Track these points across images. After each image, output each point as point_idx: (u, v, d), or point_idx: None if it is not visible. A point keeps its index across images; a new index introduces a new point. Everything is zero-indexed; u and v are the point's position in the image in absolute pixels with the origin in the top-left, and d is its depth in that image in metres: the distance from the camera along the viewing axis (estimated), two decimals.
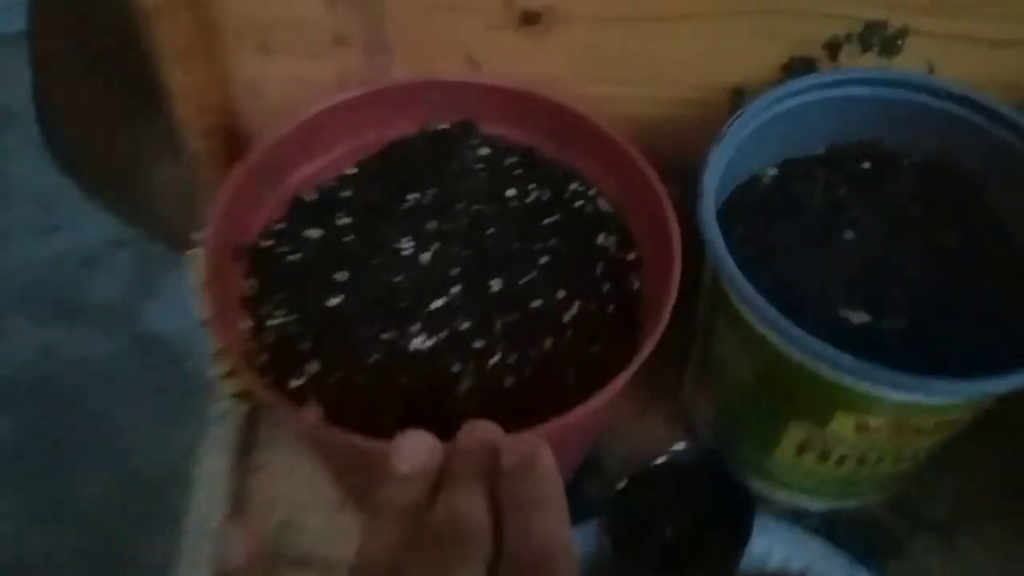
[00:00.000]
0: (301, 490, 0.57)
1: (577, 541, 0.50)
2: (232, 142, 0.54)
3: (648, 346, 0.41)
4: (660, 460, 0.51)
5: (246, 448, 0.58)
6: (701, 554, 0.49)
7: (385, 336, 0.45)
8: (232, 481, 0.56)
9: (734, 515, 0.49)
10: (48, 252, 1.51)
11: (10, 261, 1.49)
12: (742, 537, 0.49)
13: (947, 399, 0.43)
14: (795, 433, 0.48)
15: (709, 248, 0.45)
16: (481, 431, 0.32)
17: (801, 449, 0.49)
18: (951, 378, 0.40)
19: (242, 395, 0.57)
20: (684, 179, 0.48)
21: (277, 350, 0.46)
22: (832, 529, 0.54)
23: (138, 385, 1.34)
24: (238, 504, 0.56)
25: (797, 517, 0.54)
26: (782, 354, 0.44)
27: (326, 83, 0.53)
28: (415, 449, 0.31)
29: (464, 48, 0.52)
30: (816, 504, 0.54)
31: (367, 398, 0.43)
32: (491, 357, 0.45)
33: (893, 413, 0.43)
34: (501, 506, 0.29)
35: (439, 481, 0.30)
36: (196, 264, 0.47)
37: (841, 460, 0.48)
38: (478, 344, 0.45)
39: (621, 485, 0.51)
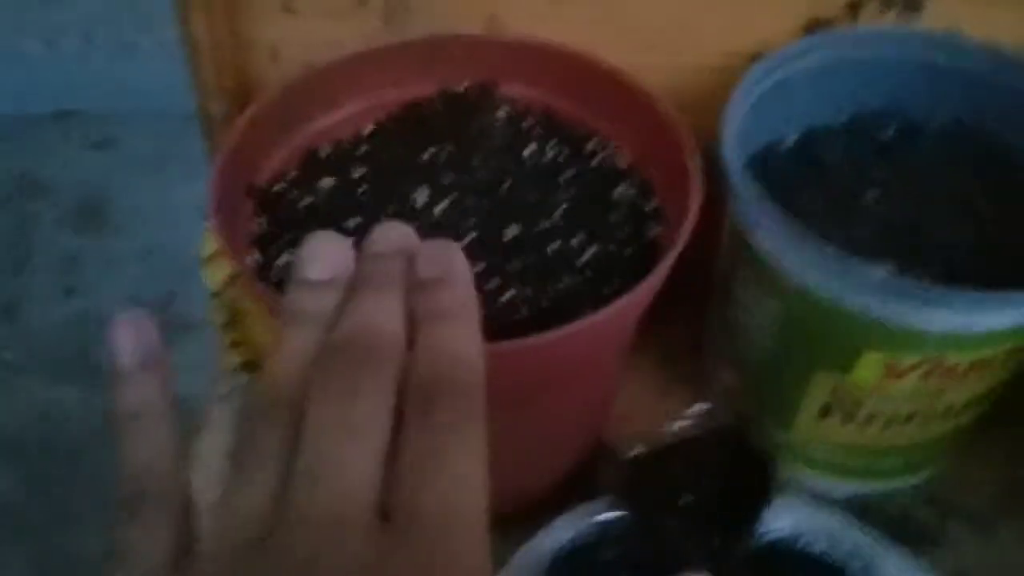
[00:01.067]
0: None
1: (588, 513, 0.47)
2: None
3: (668, 258, 0.39)
4: (677, 425, 0.48)
5: None
6: (718, 521, 0.46)
7: None
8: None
9: (753, 482, 0.46)
10: (64, 314, 1.51)
11: (27, 322, 1.50)
12: (760, 504, 0.45)
13: (990, 321, 0.40)
14: (819, 390, 0.46)
15: (731, 186, 0.44)
16: (396, 233, 0.29)
17: (825, 412, 0.47)
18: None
19: (248, 366, 0.55)
20: (706, 153, 0.47)
21: (284, 286, 0.44)
22: (861, 520, 0.51)
23: None
24: None
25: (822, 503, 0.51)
26: (807, 291, 0.42)
27: (346, 47, 0.53)
28: (325, 252, 0.28)
29: (487, 13, 0.52)
30: (841, 487, 0.51)
31: None
32: (504, 293, 0.43)
33: (924, 350, 0.41)
34: (414, 317, 0.26)
35: (351, 287, 0.27)
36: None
37: (867, 421, 0.46)
38: (492, 284, 0.44)
39: (636, 452, 0.48)
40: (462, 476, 0.23)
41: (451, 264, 0.27)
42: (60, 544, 1.21)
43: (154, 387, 0.26)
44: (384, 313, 0.26)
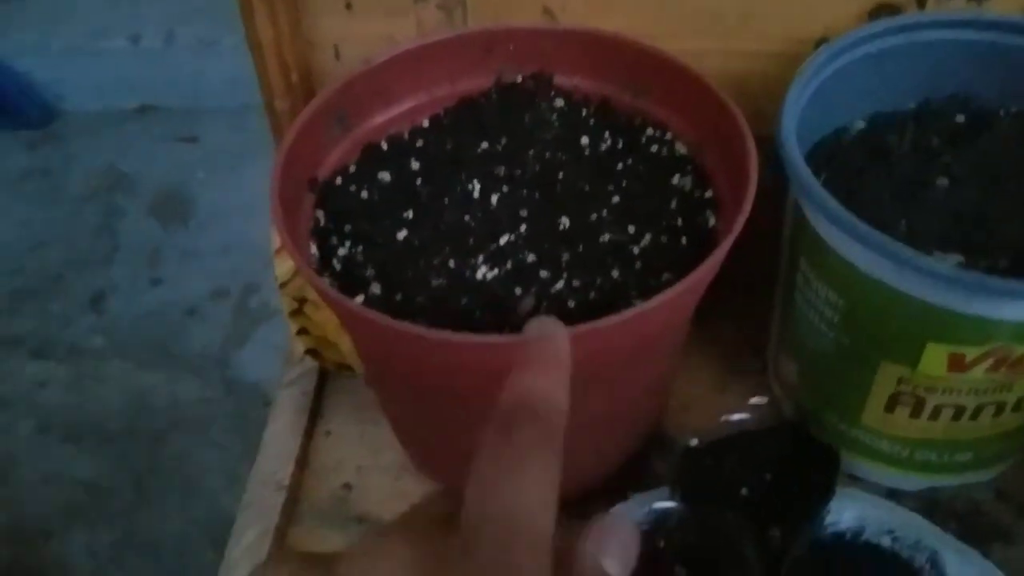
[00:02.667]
0: (365, 455, 0.55)
1: (643, 503, 0.47)
2: None
3: (723, 247, 0.39)
4: (735, 417, 0.48)
5: (315, 414, 0.58)
6: (779, 514, 0.45)
7: (450, 264, 0.44)
8: (299, 443, 0.55)
9: (815, 474, 0.46)
10: (151, 303, 1.56)
11: (115, 311, 1.55)
12: (823, 496, 0.45)
13: None
14: (885, 382, 0.45)
15: (791, 174, 0.43)
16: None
17: (891, 404, 0.46)
18: None
19: (312, 353, 0.56)
20: (764, 147, 0.47)
21: (342, 277, 0.45)
22: (928, 514, 0.50)
23: (224, 428, 1.36)
24: (302, 465, 0.55)
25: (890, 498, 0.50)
26: (871, 281, 0.41)
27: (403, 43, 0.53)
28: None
29: (542, 5, 0.52)
30: (909, 480, 0.50)
31: (427, 316, 0.42)
32: (555, 283, 0.43)
33: (991, 342, 0.40)
34: None
35: None
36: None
37: (936, 413, 0.44)
38: (543, 274, 0.44)
39: (693, 444, 0.48)
40: (531, 494, 0.24)
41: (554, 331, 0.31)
42: (144, 526, 1.25)
43: None
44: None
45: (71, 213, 1.71)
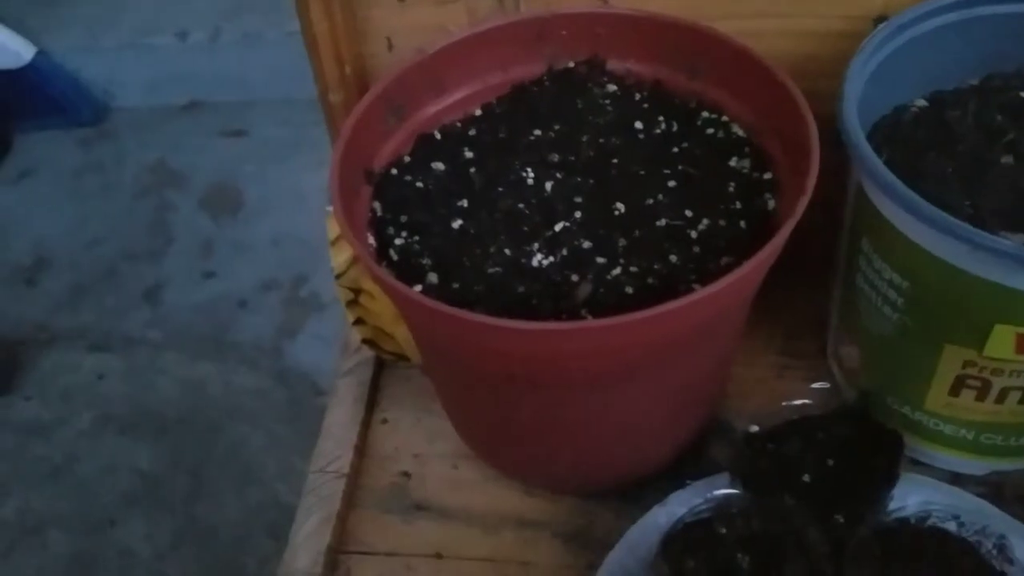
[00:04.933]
0: (422, 444, 0.56)
1: (704, 489, 0.47)
2: None
3: (784, 231, 0.38)
4: (796, 402, 0.47)
5: (372, 402, 0.58)
6: (842, 499, 0.44)
7: (506, 252, 0.44)
8: (357, 431, 0.56)
9: (878, 459, 0.45)
10: (203, 296, 1.59)
11: (169, 303, 1.58)
12: (887, 481, 0.44)
13: None
14: (950, 365, 0.44)
15: (854, 154, 0.43)
16: None
17: (957, 387, 0.45)
18: None
19: (369, 343, 0.57)
20: (822, 126, 0.46)
21: (399, 267, 0.45)
22: (995, 499, 0.49)
23: (277, 416, 1.38)
24: (361, 453, 0.55)
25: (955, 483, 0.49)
26: (935, 262, 0.40)
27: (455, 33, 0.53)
28: None
29: None
30: (975, 464, 0.49)
31: (485, 304, 0.42)
32: (612, 269, 0.43)
33: None
34: None
35: None
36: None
37: (1002, 396, 0.44)
38: (600, 260, 0.44)
39: (753, 429, 0.47)
40: None
41: None
42: (199, 515, 1.28)
43: None
44: None
45: (124, 209, 1.74)
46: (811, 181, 0.40)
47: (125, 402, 1.43)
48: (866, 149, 0.42)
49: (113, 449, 1.37)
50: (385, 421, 0.57)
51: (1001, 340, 0.41)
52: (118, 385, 1.46)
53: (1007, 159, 0.46)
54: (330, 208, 0.49)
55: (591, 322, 0.40)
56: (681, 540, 0.44)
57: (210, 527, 1.26)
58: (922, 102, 0.50)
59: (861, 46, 0.46)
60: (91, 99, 1.91)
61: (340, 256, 0.54)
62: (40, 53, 1.81)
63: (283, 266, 1.60)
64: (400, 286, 0.40)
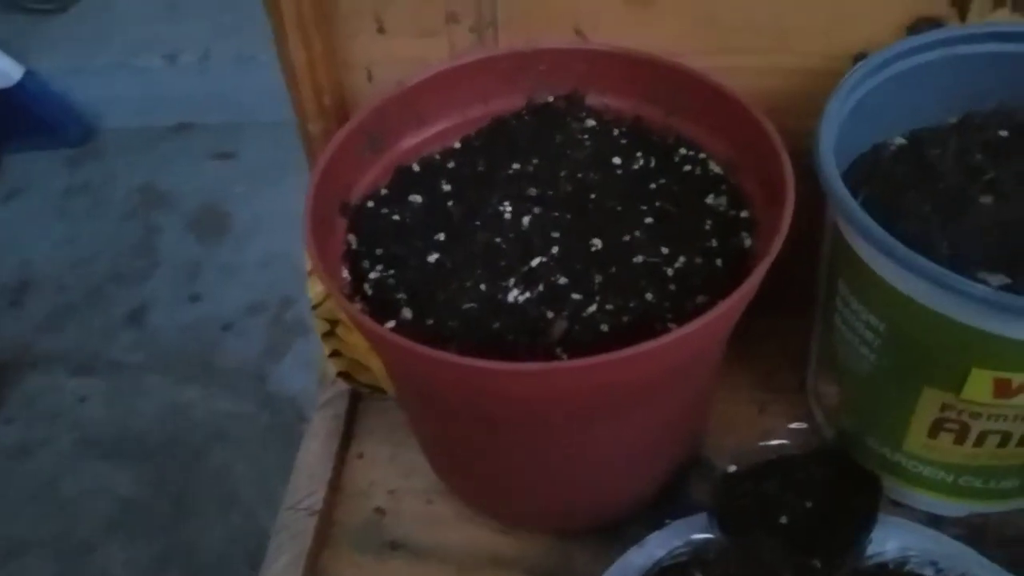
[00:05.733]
0: (398, 479, 0.55)
1: (681, 531, 0.46)
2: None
3: (760, 269, 0.38)
4: (774, 442, 0.47)
5: (348, 436, 0.57)
6: (820, 542, 0.44)
7: (481, 287, 0.44)
8: (332, 466, 0.55)
9: (856, 501, 0.45)
10: (189, 319, 1.58)
11: (153, 326, 1.57)
12: (865, 524, 0.43)
13: None
14: (928, 408, 0.43)
15: (829, 196, 0.42)
16: None
17: (935, 429, 0.44)
18: None
19: (344, 376, 0.56)
20: (800, 164, 0.46)
21: (374, 301, 0.45)
22: (975, 541, 0.48)
23: (261, 441, 1.37)
24: (335, 488, 0.55)
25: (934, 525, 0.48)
26: (912, 303, 0.40)
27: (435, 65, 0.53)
28: None
29: (572, 22, 0.52)
30: (954, 507, 0.48)
31: (459, 340, 0.41)
32: (588, 306, 0.43)
33: None
34: None
35: None
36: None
37: (980, 439, 0.43)
38: (576, 296, 0.43)
39: (731, 469, 0.47)
40: None
41: None
42: (180, 541, 1.26)
43: None
44: None
45: (111, 230, 1.74)
46: (786, 222, 0.40)
47: (108, 426, 1.42)
48: (841, 191, 0.42)
49: (95, 473, 1.35)
50: (361, 455, 0.57)
51: (978, 384, 0.40)
52: (101, 408, 1.45)
53: (986, 198, 0.46)
54: None
55: (563, 363, 0.39)
56: None
57: (191, 553, 1.25)
58: (901, 140, 0.50)
59: (839, 84, 0.46)
60: (80, 120, 1.90)
61: (317, 287, 0.54)
62: (29, 73, 1.80)
63: (270, 288, 1.59)
64: (371, 323, 0.39)
